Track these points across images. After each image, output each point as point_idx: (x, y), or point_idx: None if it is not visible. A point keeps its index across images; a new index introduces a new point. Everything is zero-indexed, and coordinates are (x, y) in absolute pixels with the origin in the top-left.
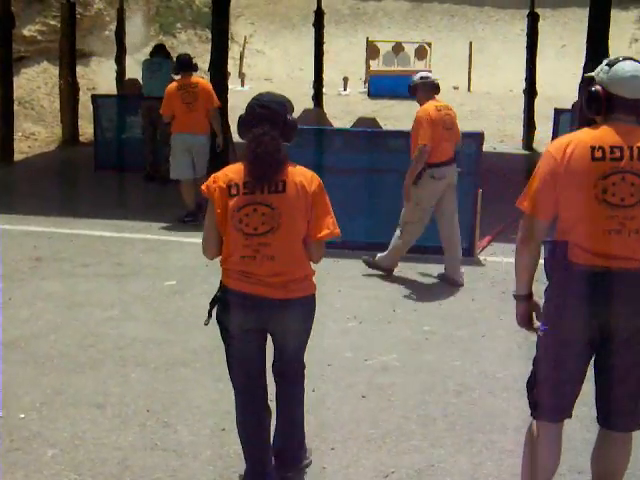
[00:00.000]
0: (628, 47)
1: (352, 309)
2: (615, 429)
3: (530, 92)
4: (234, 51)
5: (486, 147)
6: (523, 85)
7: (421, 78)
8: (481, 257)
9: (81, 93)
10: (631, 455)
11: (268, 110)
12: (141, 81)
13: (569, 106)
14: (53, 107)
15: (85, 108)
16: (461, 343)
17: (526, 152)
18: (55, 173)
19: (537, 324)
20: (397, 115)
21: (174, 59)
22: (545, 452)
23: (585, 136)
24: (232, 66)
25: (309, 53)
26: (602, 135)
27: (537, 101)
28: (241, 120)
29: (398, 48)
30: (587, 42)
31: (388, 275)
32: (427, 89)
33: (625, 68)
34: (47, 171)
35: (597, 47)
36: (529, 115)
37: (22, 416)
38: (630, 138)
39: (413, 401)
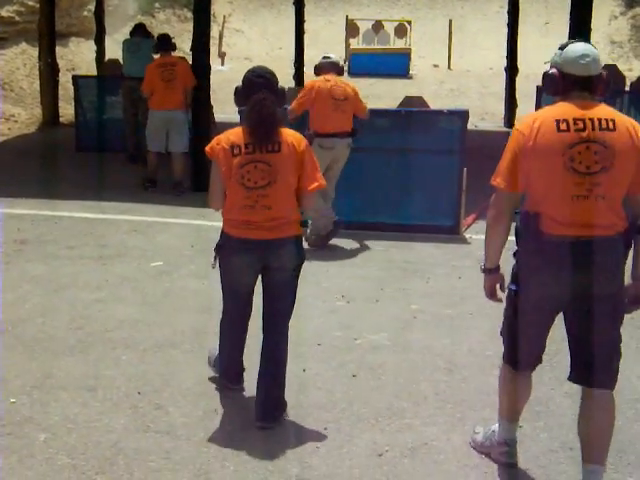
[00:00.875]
0: (608, 24)
1: (340, 288)
2: (593, 385)
3: (511, 70)
4: (213, 30)
5: (468, 125)
6: (503, 63)
7: (323, 58)
8: (467, 235)
9: (60, 74)
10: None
11: (264, 79)
12: (121, 61)
13: None
14: (33, 88)
15: (65, 89)
16: (449, 321)
17: (508, 129)
18: (36, 155)
19: (500, 295)
20: (378, 93)
21: (154, 38)
22: (518, 392)
23: (549, 112)
24: (211, 45)
25: (288, 32)
26: (564, 110)
27: (517, 78)
28: (238, 90)
29: (378, 26)
30: (570, 19)
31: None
32: (328, 68)
33: (575, 49)
34: (28, 153)
35: (580, 24)
36: (510, 93)
37: (13, 400)
38: (589, 111)
39: (404, 380)
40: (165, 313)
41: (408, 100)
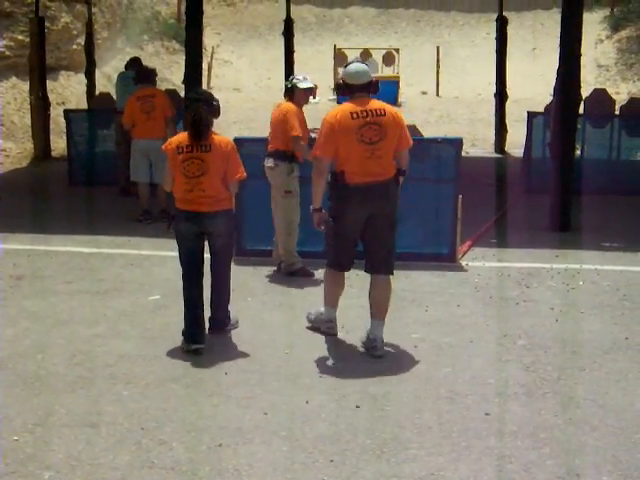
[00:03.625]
0: (594, 47)
1: (339, 319)
2: (378, 273)
3: (501, 95)
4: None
5: None
6: (491, 88)
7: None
8: (463, 263)
9: (51, 108)
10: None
11: (200, 95)
12: (113, 94)
13: (540, 108)
14: (23, 122)
15: (56, 123)
16: (450, 350)
17: (499, 155)
18: (29, 189)
19: (324, 225)
20: None
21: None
22: (337, 285)
23: (346, 107)
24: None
25: (276, 62)
26: (354, 105)
27: (507, 104)
28: (183, 108)
29: (366, 55)
30: (560, 45)
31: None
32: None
33: (351, 67)
34: (21, 187)
35: (570, 49)
36: (500, 118)
37: (15, 438)
38: (369, 105)
39: (407, 410)
40: (165, 347)
41: None
